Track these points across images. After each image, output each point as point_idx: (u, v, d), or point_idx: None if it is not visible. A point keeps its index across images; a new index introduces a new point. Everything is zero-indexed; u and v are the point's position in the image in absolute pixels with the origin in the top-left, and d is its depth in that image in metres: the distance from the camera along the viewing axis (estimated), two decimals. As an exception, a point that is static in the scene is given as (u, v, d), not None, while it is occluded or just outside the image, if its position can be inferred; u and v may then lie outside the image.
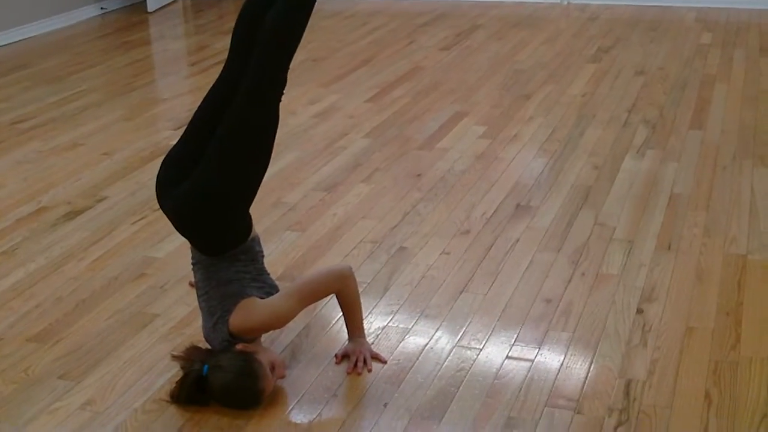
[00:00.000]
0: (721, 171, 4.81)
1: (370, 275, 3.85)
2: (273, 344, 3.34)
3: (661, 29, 7.88)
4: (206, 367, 2.96)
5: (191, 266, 3.26)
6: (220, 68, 3.28)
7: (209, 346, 3.14)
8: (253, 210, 3.22)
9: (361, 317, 3.31)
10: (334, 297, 3.28)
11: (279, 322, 3.14)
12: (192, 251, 3.23)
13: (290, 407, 3.02)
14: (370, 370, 3.20)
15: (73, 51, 7.55)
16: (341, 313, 3.33)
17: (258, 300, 3.09)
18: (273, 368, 3.01)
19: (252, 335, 3.11)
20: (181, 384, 3.00)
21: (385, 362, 3.25)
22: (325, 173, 4.91)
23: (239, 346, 3.02)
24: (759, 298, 3.63)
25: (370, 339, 3.35)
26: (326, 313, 3.55)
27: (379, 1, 9.28)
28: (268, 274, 3.29)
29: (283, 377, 3.10)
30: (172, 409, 3.00)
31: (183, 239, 4.07)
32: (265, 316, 3.07)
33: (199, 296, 3.19)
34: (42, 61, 7.26)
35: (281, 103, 3.20)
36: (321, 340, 3.40)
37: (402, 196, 4.59)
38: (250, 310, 3.05)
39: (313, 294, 3.18)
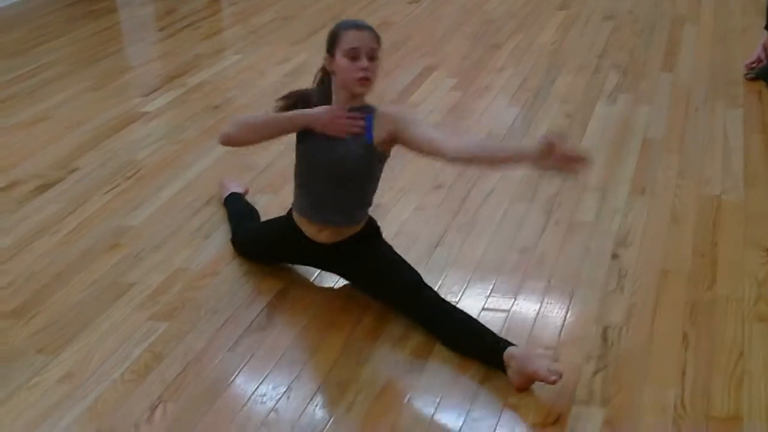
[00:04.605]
0: (693, 113, 4.81)
1: (345, 234, 3.83)
2: (251, 306, 3.34)
3: (629, -28, 7.85)
4: None
5: None
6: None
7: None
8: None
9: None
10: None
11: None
12: None
13: (268, 370, 3.02)
14: None
15: (34, 23, 7.42)
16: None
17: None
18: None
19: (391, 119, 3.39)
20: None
21: None
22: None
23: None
24: (733, 238, 3.64)
25: (342, 300, 3.34)
26: (303, 276, 3.54)
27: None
28: None
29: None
30: (151, 378, 2.99)
31: (157, 206, 4.09)
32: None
33: None
34: (1, 36, 7.16)
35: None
36: (298, 302, 3.40)
37: (375, 153, 4.56)
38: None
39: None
